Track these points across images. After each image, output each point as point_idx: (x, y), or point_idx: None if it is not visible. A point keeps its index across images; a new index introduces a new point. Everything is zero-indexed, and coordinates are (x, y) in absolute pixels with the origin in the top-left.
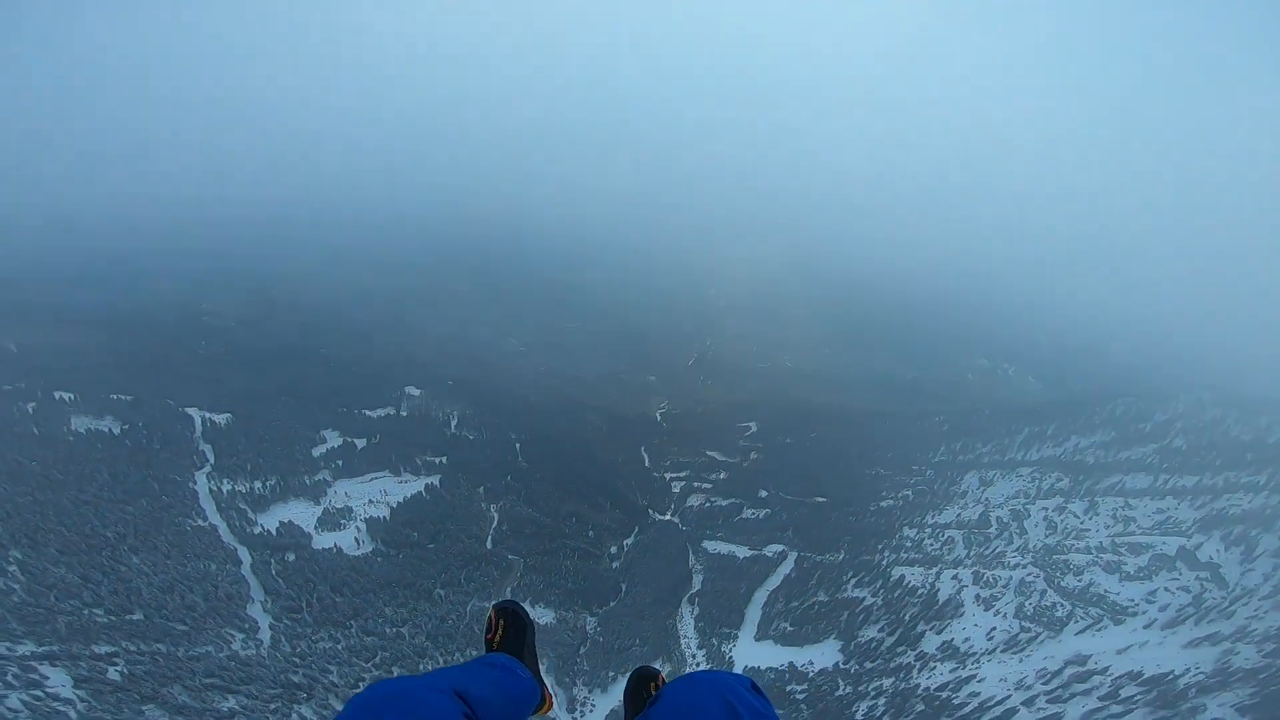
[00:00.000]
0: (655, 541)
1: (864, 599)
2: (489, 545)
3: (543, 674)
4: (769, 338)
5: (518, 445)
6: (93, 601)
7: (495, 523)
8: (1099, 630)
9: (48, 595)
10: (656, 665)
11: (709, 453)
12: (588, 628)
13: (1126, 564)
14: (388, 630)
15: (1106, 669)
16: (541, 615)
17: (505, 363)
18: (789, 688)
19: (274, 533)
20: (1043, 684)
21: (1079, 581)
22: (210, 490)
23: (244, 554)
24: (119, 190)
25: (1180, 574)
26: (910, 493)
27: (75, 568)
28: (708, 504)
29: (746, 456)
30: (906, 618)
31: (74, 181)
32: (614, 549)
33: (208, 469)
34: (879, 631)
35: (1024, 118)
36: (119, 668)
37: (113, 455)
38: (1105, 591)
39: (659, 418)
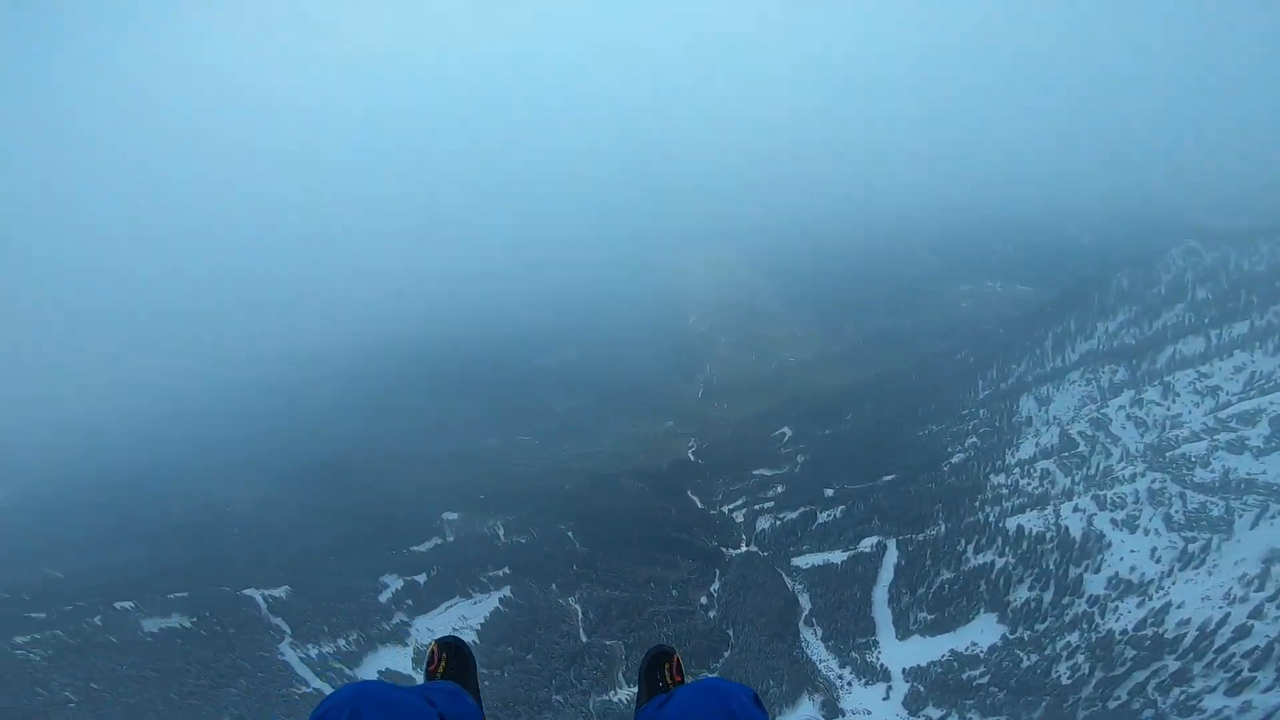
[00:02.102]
0: (743, 577)
1: (993, 562)
2: (584, 638)
3: None
4: (762, 341)
5: (569, 534)
6: None
7: (580, 614)
8: (1274, 518)
9: None
10: (804, 700)
11: (756, 471)
12: None
13: (1249, 438)
14: None
15: None
16: None
17: (525, 461)
18: (966, 675)
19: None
20: (1254, 591)
21: (1211, 473)
22: (300, 658)
23: None
24: (119, 382)
25: None
26: (976, 439)
27: None
28: (778, 522)
29: (795, 462)
30: (1051, 566)
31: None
32: (704, 599)
33: (288, 640)
34: (1030, 590)
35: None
36: None
37: (195, 647)
38: (1249, 474)
39: (692, 457)
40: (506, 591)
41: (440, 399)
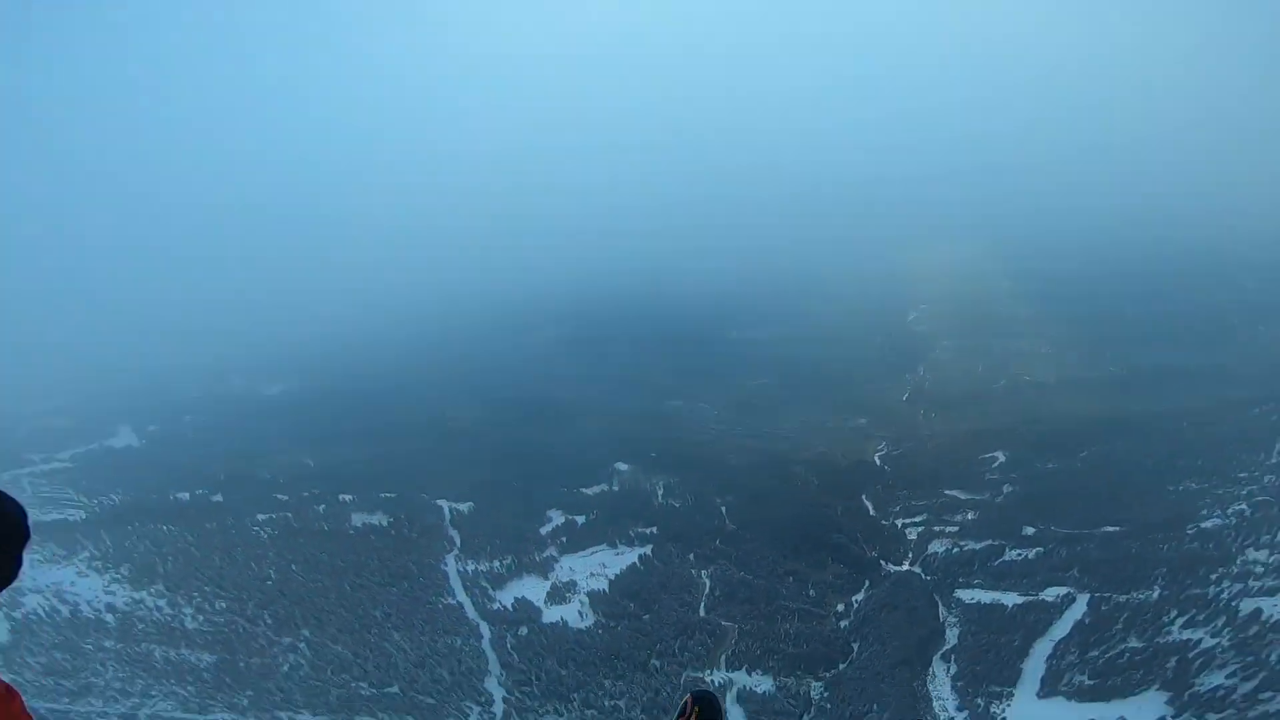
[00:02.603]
0: (893, 595)
1: (1200, 640)
2: (702, 612)
3: None
4: (994, 352)
5: (723, 509)
6: (359, 676)
7: (707, 589)
8: None
9: (325, 670)
10: None
11: (948, 492)
12: (812, 694)
13: None
14: (606, 703)
15: None
16: (759, 683)
17: (701, 429)
18: None
19: (510, 608)
20: None
21: None
22: (458, 571)
23: (484, 629)
24: (374, 306)
25: None
26: (1245, 506)
27: (349, 645)
28: (955, 549)
29: (998, 491)
30: (1271, 659)
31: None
32: (840, 607)
33: (455, 552)
34: (1229, 678)
35: None
36: None
37: (382, 545)
38: None
39: (878, 461)
40: (648, 550)
41: (640, 357)
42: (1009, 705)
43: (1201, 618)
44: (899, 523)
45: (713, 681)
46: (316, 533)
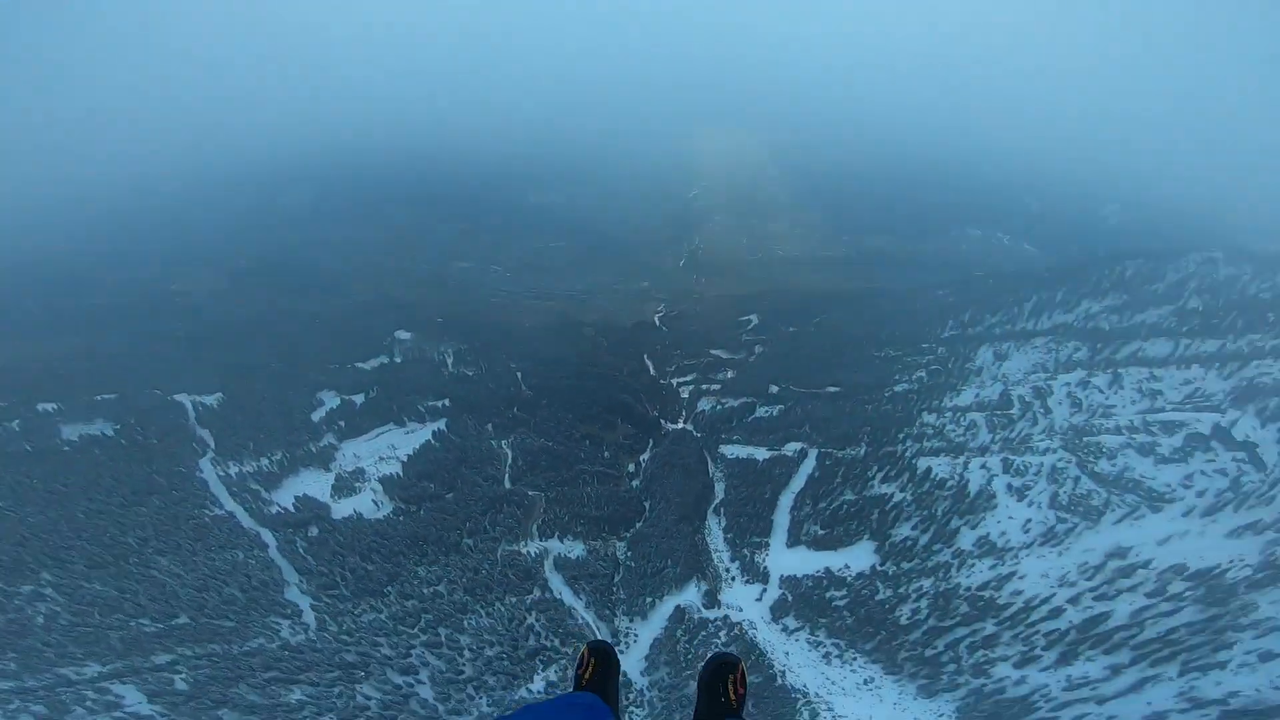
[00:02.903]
0: (672, 453)
1: (893, 495)
2: (507, 484)
3: (592, 621)
4: (758, 230)
5: (519, 374)
6: (135, 612)
7: (510, 459)
8: (1137, 519)
9: (91, 613)
10: (691, 585)
11: (714, 352)
12: (618, 555)
13: (1160, 445)
14: (425, 591)
15: (1149, 562)
16: (571, 549)
17: (491, 292)
18: (829, 594)
19: (291, 509)
20: (1086, 580)
21: (1113, 466)
22: (219, 476)
23: (267, 536)
24: (55, 175)
25: (1216, 455)
26: (924, 373)
27: (108, 580)
28: (719, 406)
29: (752, 351)
30: (939, 513)
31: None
32: (631, 467)
33: (210, 455)
34: (913, 529)
35: None
36: (183, 676)
37: (112, 458)
38: (1141, 476)
39: (658, 322)
40: (441, 425)
41: (421, 217)
42: (767, 555)
43: (893, 473)
44: (674, 382)
45: (528, 553)
46: (18, 455)
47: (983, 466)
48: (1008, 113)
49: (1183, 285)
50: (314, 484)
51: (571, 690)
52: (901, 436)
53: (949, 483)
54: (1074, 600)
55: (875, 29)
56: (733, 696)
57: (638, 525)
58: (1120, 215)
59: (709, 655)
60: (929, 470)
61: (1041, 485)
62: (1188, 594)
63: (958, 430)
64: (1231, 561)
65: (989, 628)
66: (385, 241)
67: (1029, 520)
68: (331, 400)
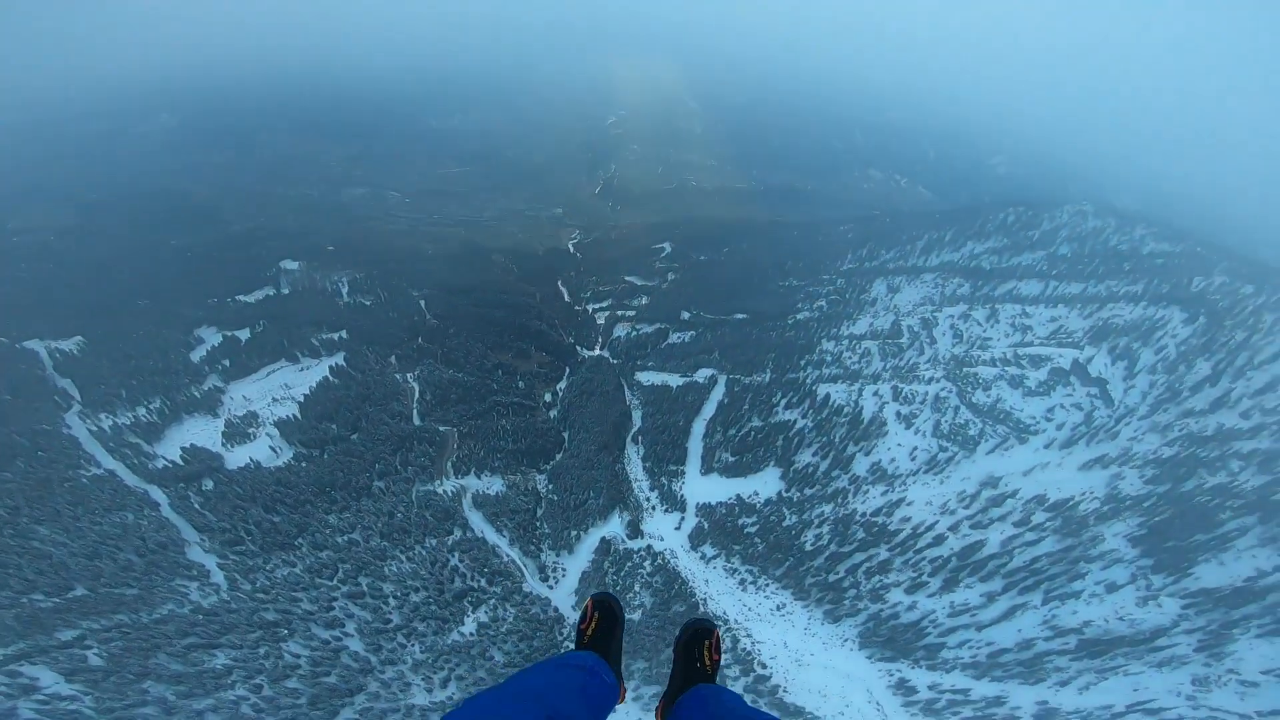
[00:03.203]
0: (589, 381)
1: (795, 421)
2: (416, 420)
3: (517, 558)
4: (672, 160)
5: (422, 302)
6: (24, 588)
7: (417, 393)
8: (1006, 450)
9: None
10: (615, 516)
11: (628, 278)
12: (539, 488)
13: (1028, 378)
14: (339, 540)
15: (1016, 492)
16: (489, 484)
17: (389, 218)
18: (740, 522)
19: (179, 462)
20: (964, 508)
21: (988, 397)
22: (90, 431)
23: (157, 494)
24: None
25: (1074, 389)
26: (824, 303)
27: None
28: (634, 332)
29: (665, 278)
30: (836, 439)
31: None
32: (548, 397)
33: (76, 408)
34: (813, 455)
35: None
36: (95, 650)
37: None
38: (1011, 408)
39: (572, 249)
40: (339, 359)
41: (311, 140)
42: (683, 483)
43: (795, 400)
44: (589, 308)
45: (445, 493)
46: None
47: (875, 394)
48: (912, 64)
49: (1055, 233)
50: (202, 432)
51: (573, 647)
52: (803, 363)
53: (845, 409)
54: (954, 528)
55: None
56: (708, 662)
57: (558, 457)
58: (1007, 166)
59: (685, 621)
60: (828, 397)
61: (927, 413)
62: (1048, 524)
63: (853, 358)
64: (1083, 494)
65: (882, 553)
66: (264, 168)
67: (915, 448)
68: (212, 337)
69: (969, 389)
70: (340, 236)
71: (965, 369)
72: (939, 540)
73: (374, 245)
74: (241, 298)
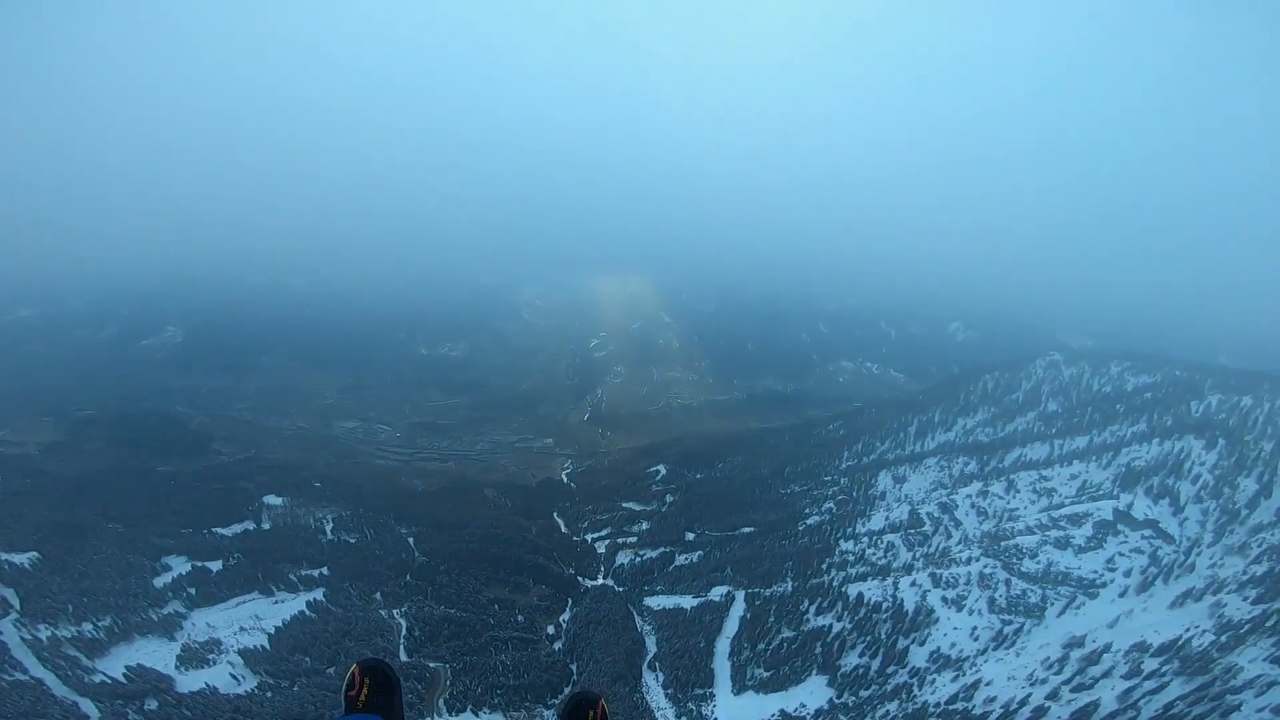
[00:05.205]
0: (594, 611)
1: (831, 626)
2: (403, 656)
3: None
4: (655, 379)
5: (411, 540)
6: None
7: (404, 630)
8: (1078, 608)
9: None
10: None
11: (625, 505)
12: None
13: (1073, 536)
14: None
15: (1109, 645)
16: None
17: (379, 453)
18: None
19: (122, 679)
20: (1054, 674)
21: (1037, 564)
22: (23, 639)
23: (88, 706)
24: None
25: (1126, 536)
26: (833, 504)
27: None
28: (638, 558)
29: (663, 501)
30: (882, 635)
31: None
32: (551, 629)
33: (13, 616)
34: (860, 657)
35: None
36: None
37: None
38: (1067, 568)
39: (565, 479)
40: (318, 595)
41: (304, 367)
42: (715, 706)
43: (825, 604)
44: (589, 538)
45: None
46: None
47: (913, 584)
48: (853, 245)
49: (1037, 390)
50: (153, 653)
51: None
52: (825, 567)
53: (884, 605)
54: (1053, 696)
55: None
56: None
57: (565, 690)
58: (964, 332)
59: (566, 694)
60: (860, 596)
61: (975, 592)
62: (1165, 669)
63: (877, 553)
64: (1188, 630)
65: None
66: (260, 397)
67: (975, 628)
68: (181, 566)
69: (1014, 560)
70: (329, 472)
71: (1003, 542)
72: (1041, 712)
73: (362, 481)
74: (218, 530)
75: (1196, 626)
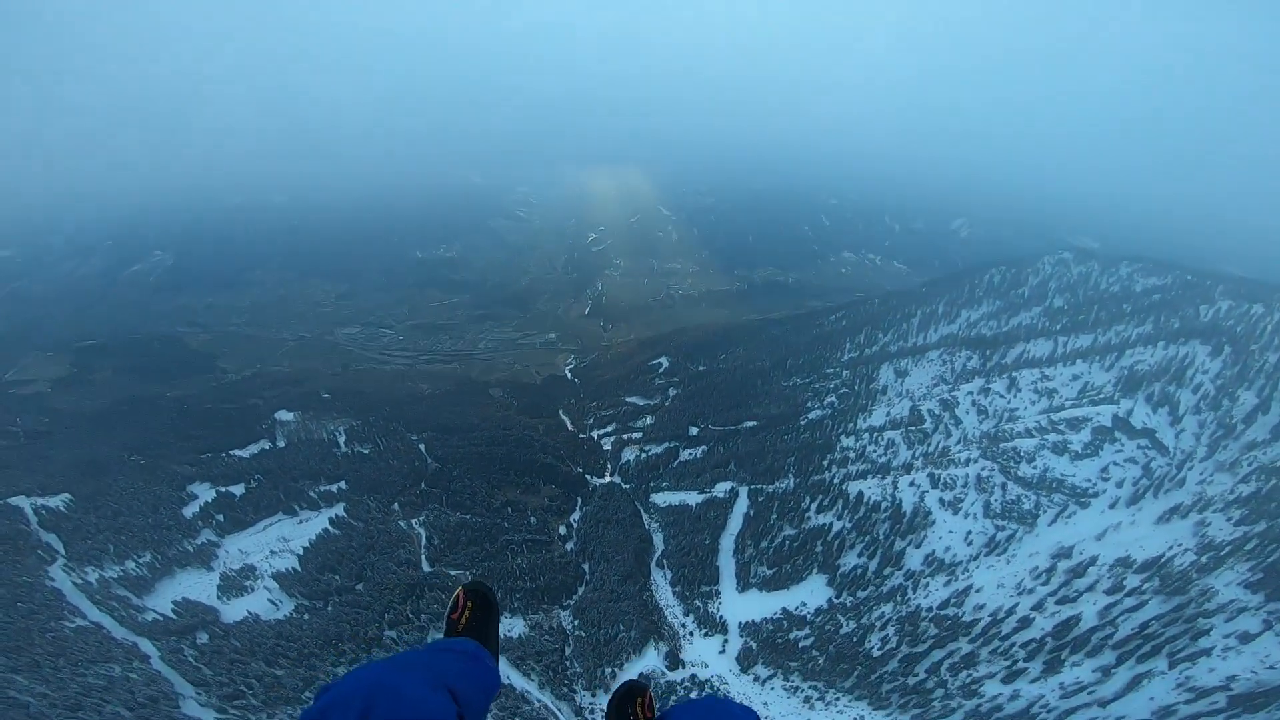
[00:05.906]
0: (603, 509)
1: (831, 524)
2: (425, 567)
3: (550, 703)
4: (655, 271)
5: (422, 446)
6: None
7: (424, 539)
8: (1069, 518)
9: None
10: (650, 648)
11: (629, 399)
12: (564, 626)
13: (1071, 442)
14: None
15: (1095, 558)
16: (512, 627)
17: (384, 358)
18: (793, 635)
19: (172, 615)
20: (1041, 584)
21: (1033, 469)
22: (75, 584)
23: (147, 646)
24: None
25: (1123, 445)
26: (834, 398)
27: None
28: (643, 454)
29: (666, 395)
30: (881, 536)
31: None
32: (563, 530)
33: (60, 562)
34: (859, 557)
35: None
36: None
37: None
38: (1062, 475)
39: (569, 374)
40: (339, 510)
41: (297, 278)
42: (721, 604)
43: (826, 502)
44: (594, 435)
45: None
46: None
47: (911, 484)
48: (860, 139)
49: (1044, 286)
50: (195, 586)
51: (443, 636)
52: (826, 464)
53: (883, 505)
54: (1039, 607)
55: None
56: (641, 718)
57: (580, 591)
58: (969, 229)
59: (617, 685)
60: (860, 494)
61: (972, 495)
62: (1145, 587)
63: (878, 450)
64: (1171, 548)
65: (964, 646)
66: (258, 310)
67: (969, 532)
68: (206, 493)
69: (1011, 464)
70: (336, 382)
71: (1001, 444)
72: (1026, 623)
73: (370, 389)
74: (236, 452)
75: (1179, 545)
